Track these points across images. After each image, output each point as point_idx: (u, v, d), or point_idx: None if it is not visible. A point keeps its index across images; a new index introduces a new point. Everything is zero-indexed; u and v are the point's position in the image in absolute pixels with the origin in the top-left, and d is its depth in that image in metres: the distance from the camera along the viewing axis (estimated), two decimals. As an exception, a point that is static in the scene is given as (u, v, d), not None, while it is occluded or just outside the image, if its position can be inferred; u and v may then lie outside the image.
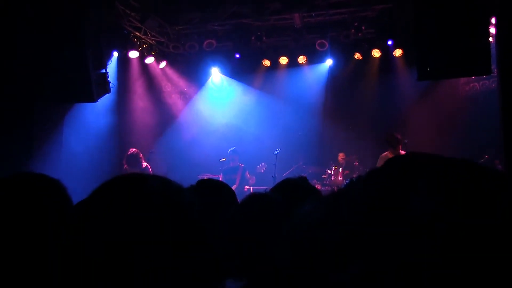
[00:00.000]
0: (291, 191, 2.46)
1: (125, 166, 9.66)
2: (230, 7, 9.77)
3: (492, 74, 7.27)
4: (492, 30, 6.86)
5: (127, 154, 9.58)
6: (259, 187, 10.46)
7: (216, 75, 12.31)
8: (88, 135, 9.97)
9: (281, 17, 10.23)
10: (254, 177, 9.98)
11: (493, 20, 6.86)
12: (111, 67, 10.08)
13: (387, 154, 9.37)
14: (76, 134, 9.60)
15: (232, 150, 10.12)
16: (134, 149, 9.67)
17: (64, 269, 1.16)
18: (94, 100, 8.06)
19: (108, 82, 8.31)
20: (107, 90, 8.36)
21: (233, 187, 9.59)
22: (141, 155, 9.54)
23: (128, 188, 1.17)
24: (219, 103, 12.48)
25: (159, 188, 1.19)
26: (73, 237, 1.20)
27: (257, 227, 1.97)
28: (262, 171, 10.03)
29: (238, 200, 2.57)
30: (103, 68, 8.25)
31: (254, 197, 2.22)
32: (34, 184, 1.56)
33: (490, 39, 6.73)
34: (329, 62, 11.50)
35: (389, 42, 10.48)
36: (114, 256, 1.08)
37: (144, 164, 9.50)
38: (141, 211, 1.12)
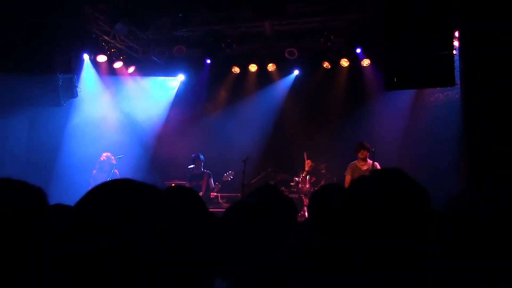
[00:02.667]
0: (269, 196, 2.50)
1: (94, 171, 9.57)
2: (201, 13, 9.75)
3: (455, 85, 7.47)
4: (456, 43, 7.04)
5: (100, 159, 9.53)
6: (228, 194, 10.48)
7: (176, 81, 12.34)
8: (51, 137, 9.84)
9: (252, 25, 10.25)
10: (219, 184, 9.96)
11: (456, 34, 7.05)
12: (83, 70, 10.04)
13: (355, 163, 9.51)
14: (41, 136, 9.47)
15: (196, 155, 10.09)
16: (107, 153, 9.61)
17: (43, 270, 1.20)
18: (60, 104, 7.96)
19: (75, 86, 8.21)
20: (74, 95, 8.26)
21: (200, 194, 9.58)
22: (114, 161, 9.49)
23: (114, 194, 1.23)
24: (187, 110, 12.43)
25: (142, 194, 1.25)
26: (55, 241, 1.24)
27: (246, 230, 2.03)
28: (229, 179, 10.02)
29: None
30: (71, 73, 8.13)
31: (239, 203, 2.28)
32: (13, 190, 1.57)
33: (454, 51, 6.92)
34: (297, 71, 11.64)
35: (358, 50, 10.64)
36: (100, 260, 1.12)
37: (115, 170, 9.47)
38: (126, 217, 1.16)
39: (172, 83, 12.48)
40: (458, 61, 6.84)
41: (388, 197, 1.63)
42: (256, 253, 1.94)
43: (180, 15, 9.59)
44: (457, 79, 7.05)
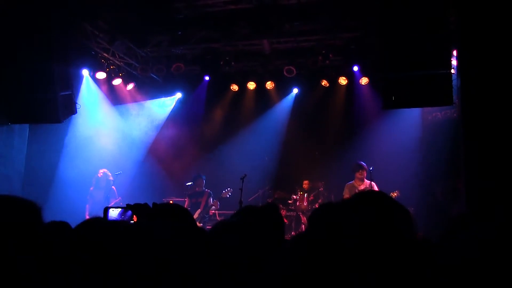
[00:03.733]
0: (253, 217, 2.51)
1: (91, 188, 9.53)
2: (199, 31, 9.81)
3: (453, 104, 7.49)
4: (454, 62, 7.08)
5: (97, 175, 9.50)
6: (225, 212, 10.44)
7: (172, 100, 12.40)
8: (49, 153, 9.83)
9: (250, 43, 10.31)
10: (217, 202, 9.94)
11: (455, 53, 7.10)
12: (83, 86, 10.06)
13: (353, 183, 9.50)
14: (39, 153, 9.45)
15: (198, 175, 10.11)
16: (104, 169, 9.58)
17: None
18: (59, 121, 7.96)
19: (75, 103, 8.21)
20: (73, 112, 8.25)
21: (198, 211, 9.58)
22: (110, 177, 9.45)
23: None
24: (185, 127, 12.44)
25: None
26: (47, 251, 1.29)
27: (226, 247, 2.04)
28: (227, 196, 9.99)
29: (200, 223, 2.66)
30: (70, 89, 8.14)
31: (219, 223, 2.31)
32: (9, 206, 1.62)
33: (452, 70, 6.95)
34: (296, 89, 11.68)
35: (355, 68, 10.69)
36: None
37: (113, 187, 9.45)
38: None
39: (170, 102, 12.50)
40: (455, 80, 6.87)
41: (368, 226, 1.64)
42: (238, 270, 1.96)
43: (179, 32, 9.62)
44: (455, 98, 7.10)
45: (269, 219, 2.48)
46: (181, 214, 2.46)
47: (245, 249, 2.06)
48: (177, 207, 2.58)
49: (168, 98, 12.40)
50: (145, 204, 2.71)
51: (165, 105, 12.53)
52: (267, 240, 2.28)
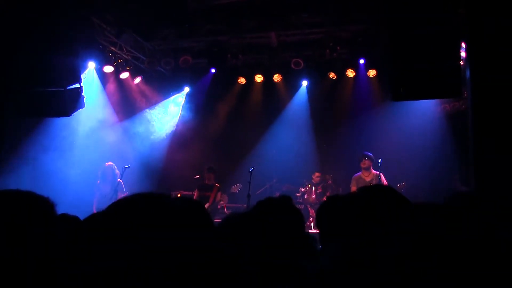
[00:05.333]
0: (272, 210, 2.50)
1: (98, 181, 9.53)
2: (206, 24, 9.79)
3: (462, 96, 7.45)
4: (463, 53, 7.04)
5: (103, 168, 9.49)
6: (234, 205, 10.47)
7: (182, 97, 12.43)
8: (58, 149, 9.84)
9: (257, 35, 10.29)
10: (226, 196, 9.95)
11: (463, 44, 7.05)
12: (88, 79, 10.05)
13: (360, 174, 9.49)
14: (46, 148, 9.47)
15: (208, 167, 10.04)
16: (110, 162, 9.57)
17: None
18: (67, 114, 7.99)
19: (83, 97, 8.22)
20: (81, 105, 8.27)
21: (206, 205, 9.58)
22: (116, 170, 9.44)
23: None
24: (193, 120, 12.45)
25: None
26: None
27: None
28: (237, 191, 9.99)
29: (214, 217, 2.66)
30: (78, 83, 8.16)
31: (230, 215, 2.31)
32: (22, 201, 1.62)
33: (461, 62, 6.91)
34: (305, 81, 11.64)
35: (361, 61, 10.65)
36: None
37: (118, 179, 9.42)
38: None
39: (181, 98, 12.50)
40: (464, 71, 6.84)
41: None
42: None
43: (187, 25, 9.61)
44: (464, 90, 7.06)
45: (289, 211, 2.47)
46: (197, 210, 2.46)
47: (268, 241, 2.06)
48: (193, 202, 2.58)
49: (179, 94, 12.38)
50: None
51: (177, 103, 12.53)
52: (289, 231, 2.27)
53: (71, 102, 7.91)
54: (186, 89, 12.30)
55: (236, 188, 9.94)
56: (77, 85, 8.15)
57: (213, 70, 11.47)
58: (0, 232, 1.49)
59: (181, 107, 12.50)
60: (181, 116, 12.52)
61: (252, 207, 2.65)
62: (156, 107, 12.35)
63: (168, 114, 12.52)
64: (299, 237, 2.33)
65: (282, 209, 2.43)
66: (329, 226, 2.53)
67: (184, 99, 12.46)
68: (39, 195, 1.68)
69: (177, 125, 12.50)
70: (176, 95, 12.42)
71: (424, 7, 6.82)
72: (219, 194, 9.84)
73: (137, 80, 11.37)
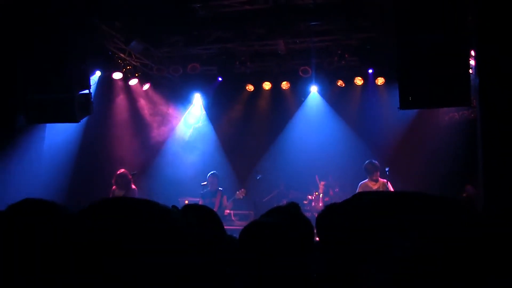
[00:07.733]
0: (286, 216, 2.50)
1: (114, 187, 9.52)
2: (214, 31, 9.83)
3: (471, 105, 7.40)
4: (472, 62, 7.01)
5: (116, 174, 9.47)
6: (241, 212, 10.45)
7: (197, 106, 12.43)
8: (64, 153, 9.89)
9: (265, 43, 10.32)
10: (231, 203, 9.91)
11: (472, 53, 7.02)
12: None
13: (366, 182, 9.45)
14: (52, 154, 9.50)
15: (212, 173, 10.04)
16: (123, 169, 9.55)
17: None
18: (77, 120, 8.02)
19: (91, 103, 8.26)
20: (90, 111, 8.31)
21: (213, 211, 9.53)
22: (130, 176, 9.41)
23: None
24: (200, 128, 12.49)
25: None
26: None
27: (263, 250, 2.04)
28: (242, 197, 9.96)
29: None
30: (87, 89, 8.20)
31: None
32: (32, 209, 1.66)
33: (470, 70, 6.87)
34: (313, 89, 11.62)
35: (370, 71, 10.66)
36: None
37: (133, 186, 9.41)
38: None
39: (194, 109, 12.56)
40: (473, 80, 6.80)
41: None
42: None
43: (195, 33, 9.65)
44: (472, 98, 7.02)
45: (298, 218, 2.46)
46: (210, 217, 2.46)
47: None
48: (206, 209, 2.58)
49: (194, 104, 12.44)
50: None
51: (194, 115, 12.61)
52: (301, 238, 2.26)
53: (80, 108, 7.95)
54: (197, 96, 12.27)
55: (241, 194, 9.90)
56: (86, 91, 8.20)
57: (220, 79, 11.48)
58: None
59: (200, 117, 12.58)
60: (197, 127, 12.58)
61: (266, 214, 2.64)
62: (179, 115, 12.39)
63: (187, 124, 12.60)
64: (309, 246, 2.32)
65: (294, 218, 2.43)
66: (327, 235, 2.51)
67: (202, 111, 12.52)
68: (46, 201, 1.69)
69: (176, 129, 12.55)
70: (192, 106, 12.46)
71: (432, 14, 6.80)
72: (224, 198, 9.83)
73: (146, 86, 11.43)
